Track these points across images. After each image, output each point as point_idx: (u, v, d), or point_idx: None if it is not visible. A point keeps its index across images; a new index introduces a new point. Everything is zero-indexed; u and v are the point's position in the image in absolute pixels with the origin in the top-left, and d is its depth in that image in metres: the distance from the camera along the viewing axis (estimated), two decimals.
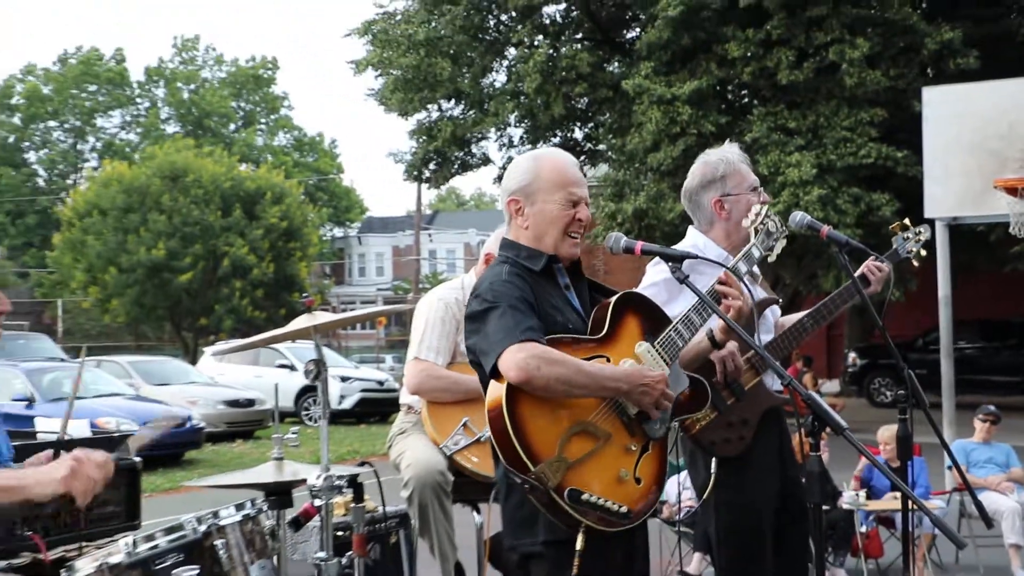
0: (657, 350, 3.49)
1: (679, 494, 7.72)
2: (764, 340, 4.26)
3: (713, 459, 4.18)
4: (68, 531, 5.47)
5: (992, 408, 9.04)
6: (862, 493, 8.36)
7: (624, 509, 3.25)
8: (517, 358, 3.17)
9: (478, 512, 5.21)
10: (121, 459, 3.18)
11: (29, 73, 62.77)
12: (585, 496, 3.18)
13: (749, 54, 19.77)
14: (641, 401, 3.33)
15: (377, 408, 24.33)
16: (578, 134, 25.53)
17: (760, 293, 3.99)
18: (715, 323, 3.69)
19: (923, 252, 4.59)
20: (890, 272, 4.46)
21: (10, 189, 59.92)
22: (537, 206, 3.52)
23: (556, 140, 24.56)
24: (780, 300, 4.44)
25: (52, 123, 63.59)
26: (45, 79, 62.64)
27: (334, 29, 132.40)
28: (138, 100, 65.49)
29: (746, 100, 22.16)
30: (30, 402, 16.58)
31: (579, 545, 3.20)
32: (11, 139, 62.21)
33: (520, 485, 3.20)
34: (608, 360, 3.39)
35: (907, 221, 4.65)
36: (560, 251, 3.54)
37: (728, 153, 4.47)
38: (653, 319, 3.57)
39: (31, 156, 64.02)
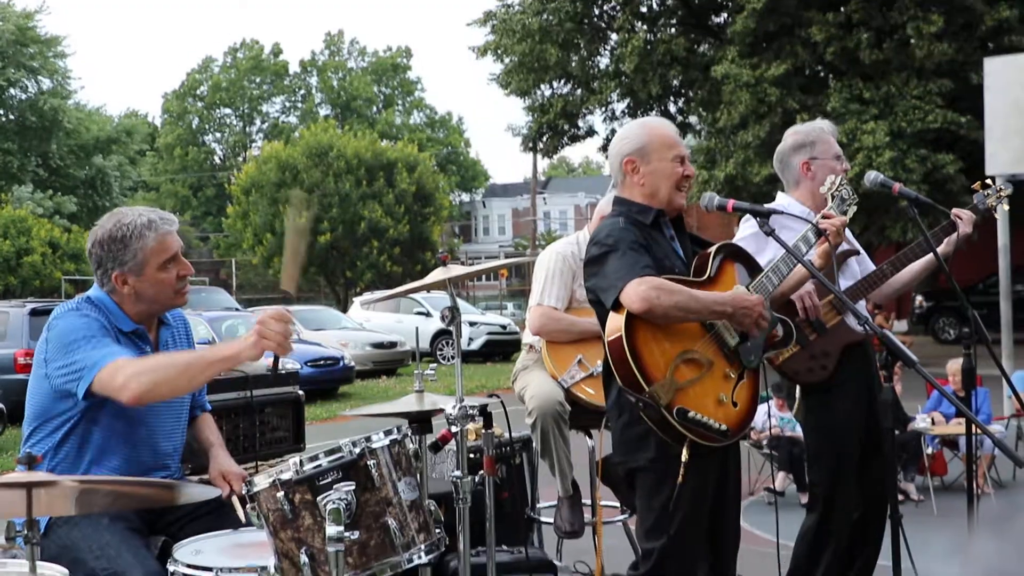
0: (751, 292, 3.47)
1: (764, 421, 7.69)
2: (845, 286, 4.20)
3: (797, 386, 4.15)
4: (247, 453, 5.64)
5: None
6: (928, 419, 8.26)
7: (723, 427, 3.28)
8: (639, 290, 3.17)
9: (590, 437, 5.21)
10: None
11: (206, 68, 63.99)
12: (691, 414, 3.21)
13: (830, 35, 19.24)
14: (743, 321, 3.32)
15: (500, 348, 24.39)
16: (672, 108, 25.21)
17: (842, 245, 3.92)
18: (812, 255, 3.72)
19: (1005, 207, 4.42)
20: (975, 217, 4.32)
21: (194, 166, 61.41)
22: (652, 164, 3.50)
23: (653, 113, 24.25)
24: (860, 251, 4.35)
25: (227, 109, 64.75)
26: (222, 70, 63.79)
27: (459, 18, 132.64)
28: (296, 88, 66.36)
29: (821, 75, 21.62)
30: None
31: (684, 457, 3.23)
32: (195, 123, 63.60)
33: (634, 404, 3.22)
34: None
35: (989, 180, 4.49)
36: (672, 203, 3.53)
37: (820, 123, 4.46)
38: (748, 266, 3.58)
39: (210, 138, 65.42)
